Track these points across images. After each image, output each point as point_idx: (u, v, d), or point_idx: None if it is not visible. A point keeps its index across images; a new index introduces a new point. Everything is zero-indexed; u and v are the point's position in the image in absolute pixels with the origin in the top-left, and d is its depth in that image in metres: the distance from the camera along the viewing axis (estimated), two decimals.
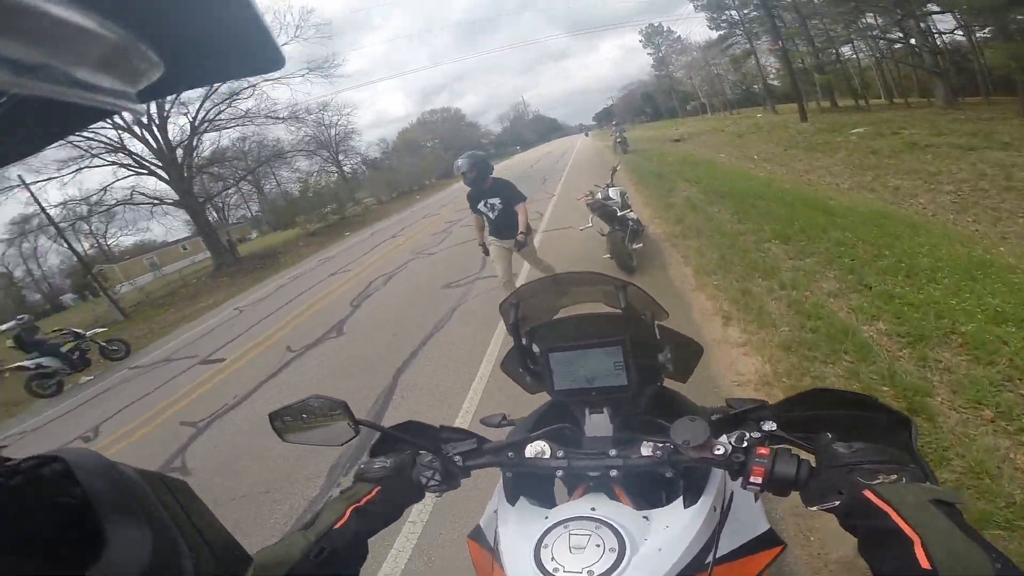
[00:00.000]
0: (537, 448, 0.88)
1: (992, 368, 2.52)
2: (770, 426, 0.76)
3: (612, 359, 0.94)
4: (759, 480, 0.69)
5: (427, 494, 0.92)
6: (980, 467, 1.94)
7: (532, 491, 0.94)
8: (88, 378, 9.41)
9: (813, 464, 0.69)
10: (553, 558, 0.71)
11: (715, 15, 34.61)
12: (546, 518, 0.80)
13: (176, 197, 23.01)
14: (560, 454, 0.87)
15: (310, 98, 49.23)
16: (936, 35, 20.55)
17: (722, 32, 35.66)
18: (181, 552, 0.34)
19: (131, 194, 22.78)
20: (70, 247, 19.76)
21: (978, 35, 19.32)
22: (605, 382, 0.95)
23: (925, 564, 0.46)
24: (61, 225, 20.72)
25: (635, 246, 5.38)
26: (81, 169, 20.71)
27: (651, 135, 31.93)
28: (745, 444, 0.74)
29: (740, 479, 0.73)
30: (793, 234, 5.30)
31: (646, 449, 0.82)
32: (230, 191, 31.09)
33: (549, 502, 0.95)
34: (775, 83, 34.48)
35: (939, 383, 2.51)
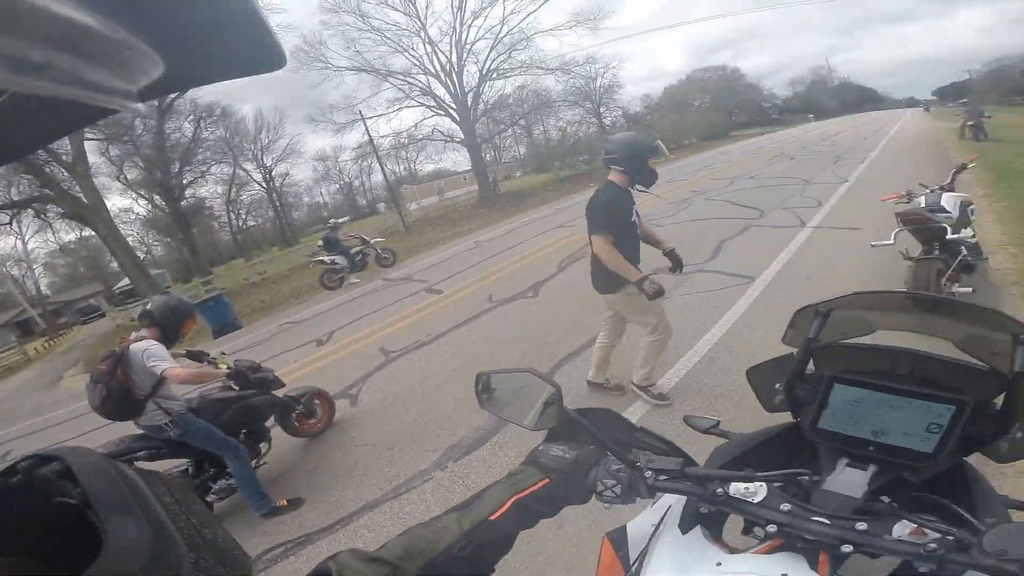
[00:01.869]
0: (752, 488, 0.72)
1: None
2: None
3: (930, 418, 0.74)
4: None
5: (594, 501, 0.80)
6: None
7: (709, 521, 0.80)
8: (355, 281, 11.53)
9: None
10: None
11: None
12: (719, 565, 0.70)
13: (462, 136, 28.94)
14: (785, 507, 0.70)
15: (579, 50, 52.40)
16: None
17: None
18: (180, 552, 0.34)
19: (432, 131, 29.81)
20: (383, 171, 27.94)
21: None
22: (899, 441, 0.76)
23: None
24: (387, 152, 29.39)
25: (958, 288, 3.48)
26: (401, 108, 28.46)
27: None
28: None
29: None
30: None
31: (903, 530, 0.65)
32: (505, 133, 36.05)
33: (719, 535, 0.80)
34: None
35: None
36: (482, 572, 0.69)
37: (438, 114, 28.62)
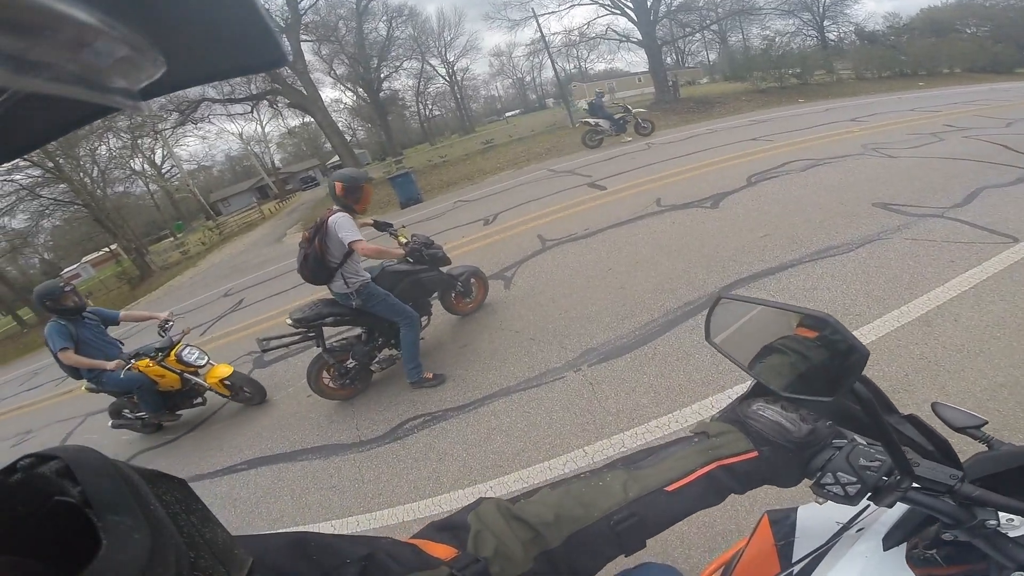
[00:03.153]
0: (1017, 523, 0.55)
1: None
2: None
3: None
4: None
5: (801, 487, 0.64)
6: None
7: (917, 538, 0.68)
8: (628, 140, 13.51)
9: None
10: None
11: None
12: None
13: (639, 37, 26.81)
14: None
15: None
16: None
17: None
18: (180, 552, 0.33)
19: (606, 30, 28.50)
20: (553, 67, 28.55)
21: None
22: None
23: None
24: (559, 49, 29.99)
25: None
26: (575, 6, 27.43)
27: None
28: None
29: None
30: None
31: None
32: (693, 38, 33.53)
33: (931, 561, 0.67)
34: None
35: None
36: (632, 548, 0.58)
37: (613, 13, 26.74)
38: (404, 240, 3.65)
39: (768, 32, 33.10)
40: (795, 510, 0.80)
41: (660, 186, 7.05)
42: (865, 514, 0.70)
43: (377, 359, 3.71)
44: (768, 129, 10.98)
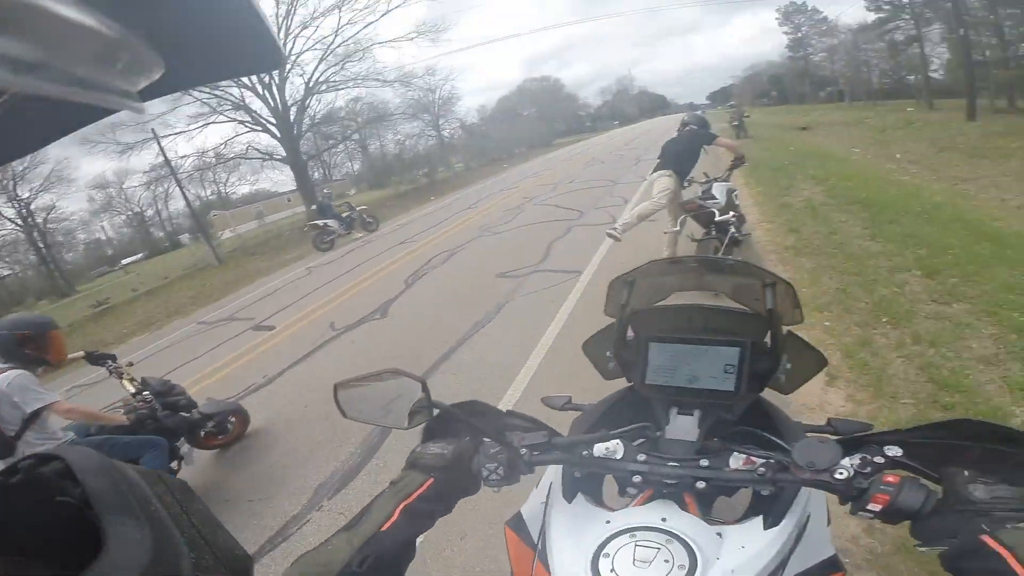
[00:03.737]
0: (612, 447, 0.82)
1: None
2: (895, 451, 0.69)
3: (725, 360, 0.88)
4: (877, 508, 0.65)
5: (483, 488, 0.84)
6: None
7: (588, 488, 0.87)
8: (359, 236, 13.48)
9: (939, 497, 0.64)
10: (613, 569, 0.67)
11: None
12: (608, 522, 0.75)
13: (283, 154, 25.29)
14: (641, 457, 0.80)
15: (419, 62, 51.21)
16: None
17: (882, 15, 31.36)
18: (181, 552, 0.33)
19: (247, 149, 25.50)
20: (184, 196, 22.77)
21: None
22: (708, 384, 0.89)
23: None
24: (190, 173, 24.74)
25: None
26: (207, 124, 23.71)
27: (775, 120, 28.67)
28: (868, 470, 0.67)
29: (851, 504, 0.68)
30: (943, 266, 4.03)
31: (738, 461, 0.77)
32: (336, 149, 33.59)
33: (599, 499, 0.89)
34: (938, 75, 29.53)
35: None
36: None
37: (254, 129, 24.74)
38: (131, 384, 3.14)
39: (399, 136, 35.80)
40: (520, 511, 0.94)
41: (330, 309, 7.16)
42: (550, 489, 0.89)
43: None
44: (411, 231, 12.57)
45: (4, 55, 0.19)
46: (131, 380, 3.19)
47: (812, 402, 2.76)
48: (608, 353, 1.05)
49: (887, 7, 30.73)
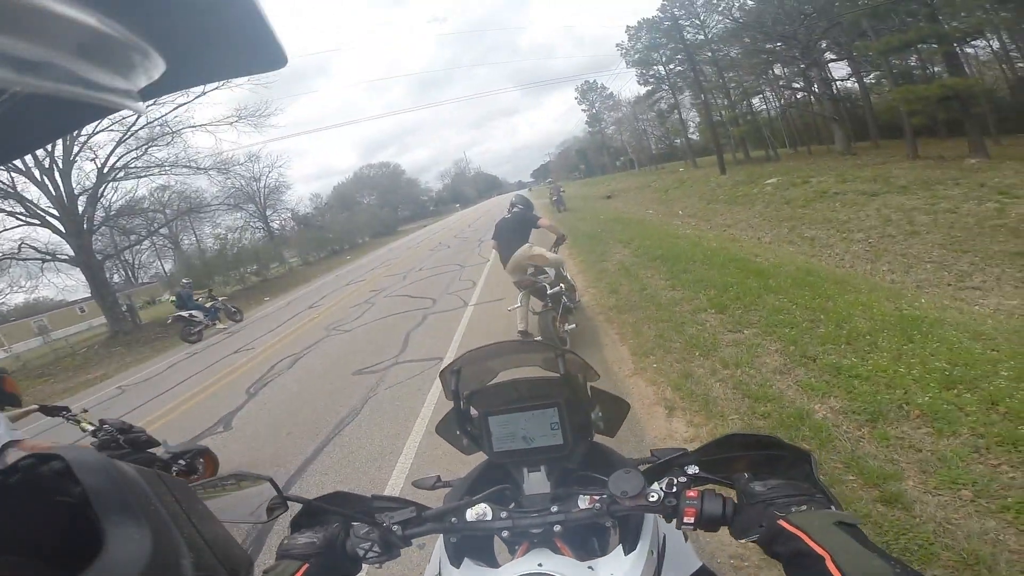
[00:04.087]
0: (479, 511, 0.89)
1: (957, 439, 2.42)
2: (694, 469, 0.81)
3: (549, 419, 0.98)
4: (692, 520, 0.75)
5: (364, 566, 0.88)
6: (973, 557, 1.80)
7: (474, 552, 0.94)
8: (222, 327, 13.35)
9: (736, 501, 0.76)
10: None
11: (644, 71, 38.11)
12: None
13: (71, 253, 19.95)
14: (503, 515, 0.88)
15: (240, 148, 47.67)
16: (833, 83, 23.17)
17: (650, 87, 39.18)
18: (180, 552, 0.33)
19: (19, 246, 19.55)
20: None
21: (867, 80, 21.99)
22: (543, 442, 0.99)
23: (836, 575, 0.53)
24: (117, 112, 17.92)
25: (567, 327, 4.83)
26: None
27: (584, 192, 32.99)
28: (675, 489, 0.79)
29: (674, 520, 0.78)
30: (728, 302, 5.02)
31: (584, 502, 0.87)
32: (142, 246, 28.68)
33: (491, 561, 0.97)
34: (695, 137, 37.56)
35: (907, 464, 2.36)
36: None
37: (29, 223, 19.42)
38: (89, 426, 3.35)
39: (219, 230, 31.82)
40: None
41: (161, 426, 6.16)
42: (440, 560, 0.94)
43: None
44: (246, 337, 11.41)
45: (4, 54, 0.19)
46: (88, 422, 3.35)
47: (662, 434, 3.14)
48: (457, 432, 1.14)
49: (652, 79, 38.30)
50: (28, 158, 18.20)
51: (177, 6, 0.25)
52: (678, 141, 41.19)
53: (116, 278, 29.87)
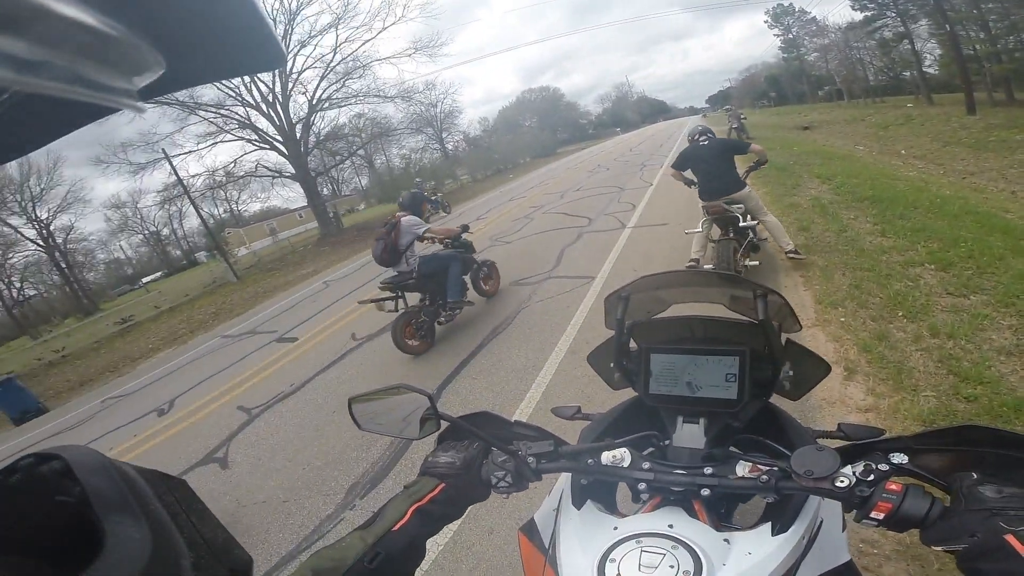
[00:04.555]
0: (619, 455, 0.83)
1: None
2: (900, 459, 0.68)
3: (726, 369, 0.90)
4: (881, 516, 0.64)
5: (492, 494, 0.88)
6: None
7: (599, 495, 0.90)
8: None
9: (947, 505, 0.62)
10: (619, 573, 0.68)
11: None
12: (615, 529, 0.76)
13: (293, 171, 25.35)
14: (646, 465, 0.81)
15: (419, 77, 51.91)
16: None
17: (869, 13, 31.27)
18: (180, 551, 0.33)
19: (256, 167, 25.62)
20: (199, 214, 22.97)
21: None
22: (711, 393, 0.91)
23: None
24: (202, 192, 25.15)
25: (749, 263, 4.44)
26: (216, 144, 23.92)
27: (775, 121, 28.67)
28: (872, 477, 0.65)
29: (856, 512, 0.67)
30: (956, 259, 4.06)
31: (744, 469, 0.76)
32: (344, 165, 33.62)
33: (612, 507, 0.91)
34: (932, 71, 29.39)
35: None
36: None
37: (262, 148, 25.08)
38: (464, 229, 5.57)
39: (404, 151, 36.53)
40: (533, 517, 0.96)
41: (350, 321, 7.28)
42: (560, 496, 0.90)
43: (439, 318, 5.12)
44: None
45: (5, 54, 0.19)
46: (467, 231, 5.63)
47: (832, 397, 2.80)
48: (611, 365, 1.07)
49: (872, 6, 30.66)
50: (256, 93, 22.78)
51: (177, 6, 0.26)
52: (907, 74, 32.59)
53: (325, 191, 35.67)
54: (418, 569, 0.77)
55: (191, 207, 23.04)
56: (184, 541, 0.35)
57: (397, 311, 4.89)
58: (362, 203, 49.77)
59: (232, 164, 25.19)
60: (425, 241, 5.06)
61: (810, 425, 0.98)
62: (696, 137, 4.90)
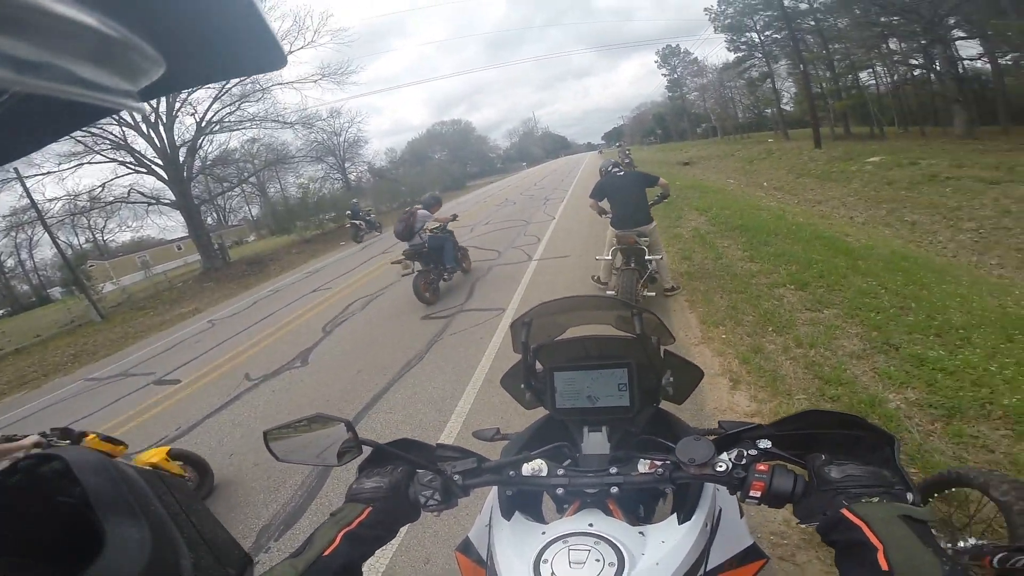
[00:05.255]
0: (535, 466, 0.89)
1: None
2: (765, 444, 0.78)
3: (617, 380, 0.99)
4: (758, 494, 0.73)
5: (423, 513, 0.90)
6: None
7: (525, 507, 0.94)
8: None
9: (807, 480, 0.72)
10: (553, 572, 0.72)
11: (735, 37, 35.09)
12: (543, 533, 0.81)
13: (172, 197, 22.68)
14: (560, 472, 0.88)
15: (322, 104, 50.04)
16: (960, 62, 20.28)
17: (740, 54, 36.26)
18: (180, 551, 0.33)
19: (128, 192, 22.47)
20: (55, 244, 19.45)
21: (1002, 62, 19.09)
22: (608, 402, 1.00)
23: (884, 567, 0.53)
24: (60, 219, 21.44)
25: (647, 293, 4.79)
26: (82, 164, 20.53)
27: (660, 157, 31.51)
28: (744, 461, 0.76)
29: (739, 493, 0.76)
30: (810, 279, 4.73)
31: (644, 466, 0.84)
32: (232, 192, 31.14)
33: (539, 517, 0.96)
34: (788, 108, 34.42)
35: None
36: None
37: (138, 171, 22.17)
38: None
39: (302, 179, 34.14)
40: (468, 536, 1.01)
41: (243, 361, 6.72)
42: (491, 511, 0.95)
43: (443, 277, 7.12)
44: (324, 277, 12.12)
45: (4, 55, 0.19)
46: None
47: (722, 405, 3.10)
48: (522, 386, 1.14)
49: (743, 47, 35.28)
50: (132, 116, 19.92)
51: (177, 7, 0.26)
52: (768, 111, 37.80)
53: (209, 220, 32.67)
54: None
55: (45, 235, 19.43)
56: (184, 541, 0.34)
57: (412, 272, 6.81)
58: (252, 234, 46.15)
59: (100, 188, 21.79)
60: (427, 229, 6.97)
61: (697, 425, 1.11)
62: (610, 168, 5.24)
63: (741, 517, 0.98)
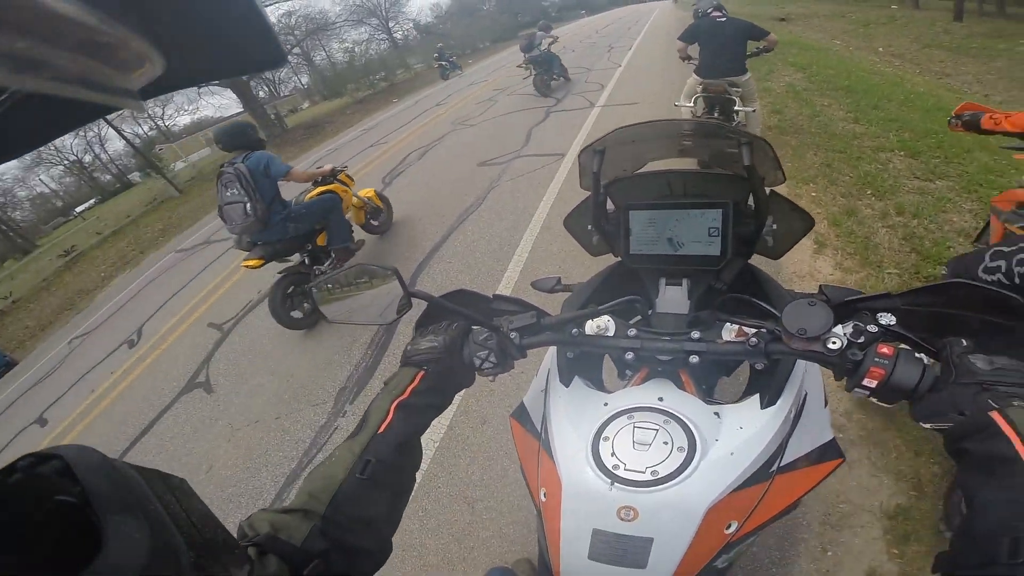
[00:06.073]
0: (602, 324, 0.76)
1: None
2: (888, 319, 0.62)
3: (708, 223, 0.83)
4: (872, 383, 0.58)
5: (477, 378, 0.81)
6: None
7: (586, 372, 0.85)
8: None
9: (939, 373, 0.57)
10: (614, 452, 0.65)
11: None
12: (606, 405, 0.74)
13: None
14: (632, 332, 0.75)
15: None
16: None
17: None
18: (179, 550, 0.33)
19: None
20: (121, 136, 21.28)
21: None
22: (694, 249, 0.85)
23: None
24: (119, 112, 21.42)
25: None
26: None
27: (748, 11, 27.10)
28: (862, 339, 0.60)
29: (846, 380, 0.61)
30: (925, 148, 4.08)
31: (730, 333, 0.71)
32: None
33: (601, 386, 0.86)
34: None
35: None
36: (399, 488, 0.67)
37: None
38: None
39: (346, 44, 33.66)
40: (523, 401, 0.93)
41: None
42: (548, 375, 0.87)
43: (553, 78, 8.83)
44: (379, 133, 11.79)
45: (4, 54, 0.18)
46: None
47: (802, 270, 2.88)
48: (589, 227, 1.00)
49: None
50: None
51: (177, 5, 0.25)
52: None
53: (261, 93, 33.24)
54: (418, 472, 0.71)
55: (110, 130, 21.13)
56: (184, 541, 0.34)
57: (531, 75, 9.13)
58: (305, 102, 45.71)
59: None
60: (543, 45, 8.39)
61: (791, 289, 0.93)
62: (709, 11, 4.43)
63: (825, 407, 0.83)
